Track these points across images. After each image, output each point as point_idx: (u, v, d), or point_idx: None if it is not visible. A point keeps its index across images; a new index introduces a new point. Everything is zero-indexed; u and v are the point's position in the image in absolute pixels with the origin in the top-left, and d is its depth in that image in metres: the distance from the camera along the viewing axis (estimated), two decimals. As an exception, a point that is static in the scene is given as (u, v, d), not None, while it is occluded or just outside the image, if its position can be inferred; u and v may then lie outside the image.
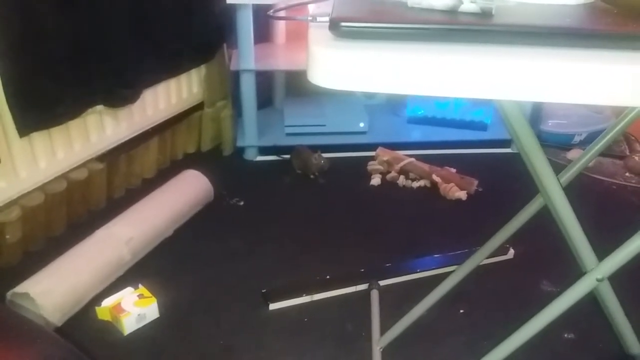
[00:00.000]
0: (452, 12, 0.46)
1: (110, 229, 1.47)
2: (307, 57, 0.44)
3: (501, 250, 1.52)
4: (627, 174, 2.05)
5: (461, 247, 1.55)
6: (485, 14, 0.46)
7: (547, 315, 0.77)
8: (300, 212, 1.78)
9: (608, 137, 0.93)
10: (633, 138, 2.24)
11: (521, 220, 1.02)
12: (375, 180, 1.96)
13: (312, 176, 1.96)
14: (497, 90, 0.43)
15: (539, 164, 0.72)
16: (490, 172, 2.00)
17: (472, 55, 0.43)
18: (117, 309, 1.27)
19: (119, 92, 1.61)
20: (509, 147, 2.20)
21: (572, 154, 2.15)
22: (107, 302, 1.30)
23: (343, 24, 0.44)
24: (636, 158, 2.09)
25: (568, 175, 0.96)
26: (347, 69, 0.43)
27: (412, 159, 1.99)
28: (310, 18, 0.49)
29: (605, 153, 2.12)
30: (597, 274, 0.74)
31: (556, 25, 0.46)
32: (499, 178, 1.97)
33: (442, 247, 1.57)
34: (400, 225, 1.72)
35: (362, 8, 0.48)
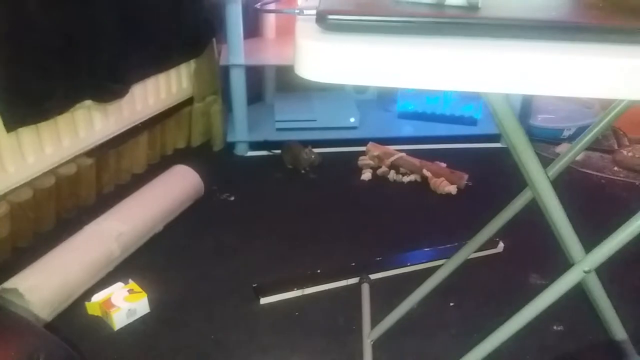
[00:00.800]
0: (438, 5, 0.46)
1: (100, 224, 1.46)
2: (294, 50, 0.44)
3: (491, 243, 1.53)
4: (615, 168, 2.07)
5: (451, 241, 1.56)
6: (472, 6, 0.46)
7: (535, 307, 0.77)
8: (291, 207, 1.78)
9: (595, 130, 0.94)
10: (621, 132, 2.26)
11: (509, 213, 1.03)
12: (366, 175, 1.96)
13: (303, 171, 1.96)
14: (485, 83, 0.43)
15: (526, 157, 0.72)
16: (480, 166, 2.00)
17: (460, 49, 0.43)
18: (107, 304, 1.27)
19: (108, 87, 1.60)
20: (498, 141, 2.21)
21: (561, 149, 2.16)
22: (97, 297, 1.30)
23: (330, 16, 0.44)
24: (624, 152, 2.11)
25: (556, 168, 0.97)
26: (334, 61, 0.43)
27: (403, 154, 2.00)
28: (297, 11, 0.49)
29: (594, 147, 2.14)
30: (584, 265, 0.74)
31: (543, 19, 0.47)
32: (489, 172, 1.98)
33: (433, 240, 1.58)
34: (391, 219, 1.73)
35: (350, 1, 0.48)
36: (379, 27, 0.44)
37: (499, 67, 0.43)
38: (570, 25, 0.46)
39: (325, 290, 1.40)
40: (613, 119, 0.93)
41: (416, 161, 1.97)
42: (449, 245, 1.55)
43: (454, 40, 0.44)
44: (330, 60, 0.43)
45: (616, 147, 2.20)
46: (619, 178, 2.01)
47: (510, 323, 0.79)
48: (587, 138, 0.95)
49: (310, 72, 0.43)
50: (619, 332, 1.08)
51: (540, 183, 0.75)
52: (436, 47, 0.42)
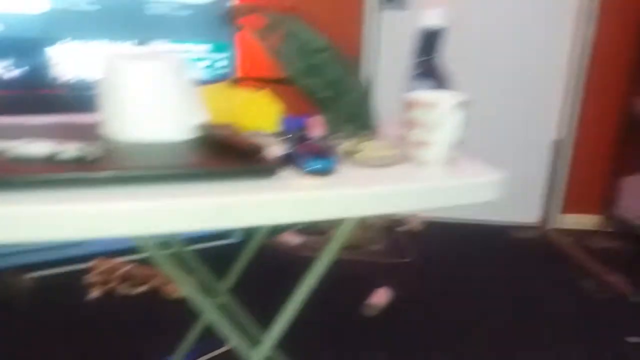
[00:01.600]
0: (51, 159, 0.51)
1: None
2: None
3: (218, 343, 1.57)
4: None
5: (187, 348, 1.55)
6: (84, 160, 0.52)
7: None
8: (1, 350, 1.56)
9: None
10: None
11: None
12: (94, 293, 1.86)
13: (16, 302, 1.75)
14: (88, 231, 0.48)
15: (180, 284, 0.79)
16: (211, 264, 2.07)
17: (69, 201, 0.47)
18: None
19: None
20: (229, 237, 2.33)
21: (287, 237, 2.39)
22: None
23: None
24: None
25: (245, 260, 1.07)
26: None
27: (132, 265, 1.96)
28: None
29: (309, 231, 2.42)
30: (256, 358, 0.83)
31: (148, 166, 0.55)
32: (219, 269, 2.06)
33: (169, 350, 1.55)
34: (123, 336, 1.65)
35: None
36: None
37: (106, 216, 0.49)
38: (176, 171, 0.55)
39: None
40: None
41: (146, 270, 1.95)
42: (188, 353, 1.54)
43: (68, 192, 0.48)
44: None
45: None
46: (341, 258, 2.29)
47: None
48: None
49: None
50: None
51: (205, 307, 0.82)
52: (43, 203, 0.46)
